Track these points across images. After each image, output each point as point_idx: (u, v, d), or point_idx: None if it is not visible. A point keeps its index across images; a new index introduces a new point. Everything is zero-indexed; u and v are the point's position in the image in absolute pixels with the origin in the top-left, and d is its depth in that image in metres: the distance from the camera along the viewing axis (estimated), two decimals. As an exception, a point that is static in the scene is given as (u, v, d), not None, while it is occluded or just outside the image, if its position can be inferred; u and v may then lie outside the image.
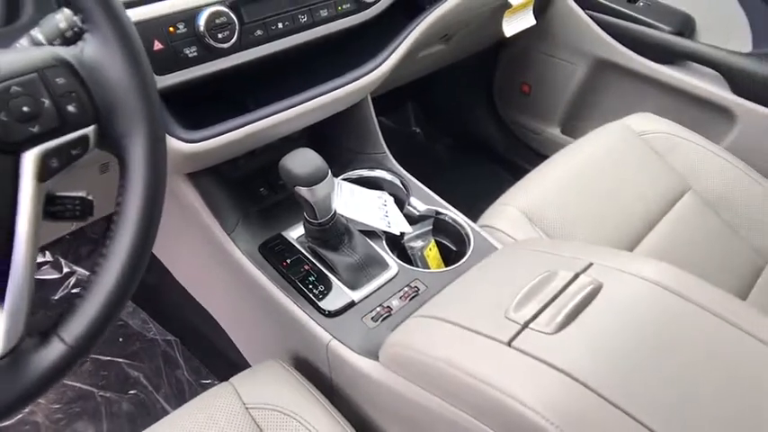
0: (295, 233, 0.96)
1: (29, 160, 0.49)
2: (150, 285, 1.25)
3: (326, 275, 0.90)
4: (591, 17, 1.58)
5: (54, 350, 0.52)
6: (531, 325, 0.68)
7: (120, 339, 1.41)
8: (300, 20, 0.90)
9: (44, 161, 0.49)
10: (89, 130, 0.52)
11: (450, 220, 1.03)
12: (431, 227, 1.03)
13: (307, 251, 0.93)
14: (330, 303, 0.86)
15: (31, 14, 0.71)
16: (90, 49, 0.52)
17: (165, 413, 1.30)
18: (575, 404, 0.61)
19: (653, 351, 0.67)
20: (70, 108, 0.50)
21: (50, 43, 0.60)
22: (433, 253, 1.01)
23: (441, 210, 1.03)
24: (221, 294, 1.10)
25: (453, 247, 1.03)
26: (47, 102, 0.49)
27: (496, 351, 0.66)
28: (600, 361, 0.64)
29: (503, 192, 1.14)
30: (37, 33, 0.61)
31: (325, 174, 0.83)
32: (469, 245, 0.98)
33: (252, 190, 1.04)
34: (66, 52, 0.51)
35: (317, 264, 0.91)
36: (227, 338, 1.17)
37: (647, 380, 0.64)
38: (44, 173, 0.50)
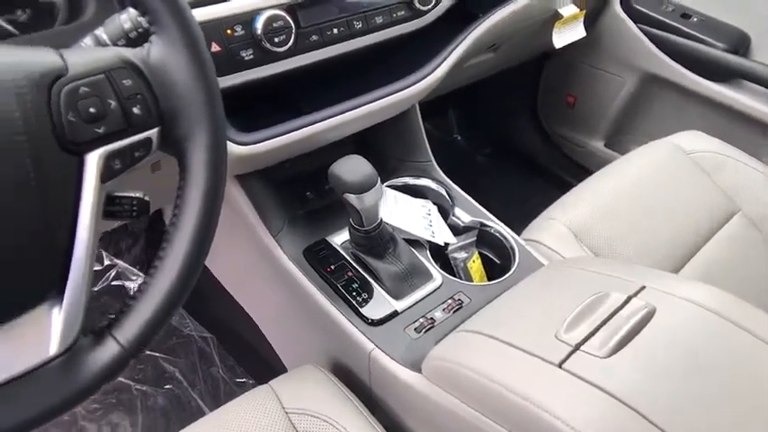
0: (339, 239, 0.96)
1: (93, 161, 0.49)
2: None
3: (370, 283, 0.89)
4: (642, 31, 1.55)
5: (108, 350, 0.53)
6: (582, 347, 0.66)
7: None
8: (355, 26, 0.90)
9: (108, 162, 0.50)
10: (152, 132, 0.52)
11: (495, 233, 1.01)
12: (475, 238, 1.02)
13: (350, 258, 0.93)
14: (373, 312, 0.86)
15: (93, 13, 0.72)
16: (156, 51, 0.52)
17: (200, 410, 1.32)
18: (626, 430, 0.59)
19: (706, 379, 0.65)
20: (135, 110, 0.50)
21: (114, 44, 0.61)
22: (476, 265, 1.00)
23: (486, 222, 1.02)
24: (261, 296, 1.11)
25: (497, 260, 1.02)
26: (113, 103, 0.49)
27: (547, 372, 0.65)
28: (653, 388, 0.63)
29: (544, 203, 1.13)
30: (101, 33, 0.61)
31: (375, 182, 0.83)
32: (514, 259, 0.97)
33: (297, 193, 1.04)
34: (132, 54, 0.51)
35: (361, 271, 0.91)
36: (264, 339, 1.17)
37: (699, 408, 0.62)
38: (107, 174, 0.50)
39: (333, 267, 0.92)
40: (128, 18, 0.60)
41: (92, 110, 0.48)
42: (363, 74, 0.98)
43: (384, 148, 1.12)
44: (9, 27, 0.75)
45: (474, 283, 0.93)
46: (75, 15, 0.77)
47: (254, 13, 0.79)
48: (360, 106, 0.93)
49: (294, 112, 0.89)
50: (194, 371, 1.37)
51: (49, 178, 0.46)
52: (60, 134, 0.47)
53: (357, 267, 0.91)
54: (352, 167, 0.82)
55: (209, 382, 1.36)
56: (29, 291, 0.49)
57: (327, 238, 0.96)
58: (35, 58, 0.48)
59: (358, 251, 0.91)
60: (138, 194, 0.57)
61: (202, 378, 1.36)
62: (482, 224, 1.02)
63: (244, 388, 1.35)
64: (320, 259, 0.93)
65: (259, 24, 0.79)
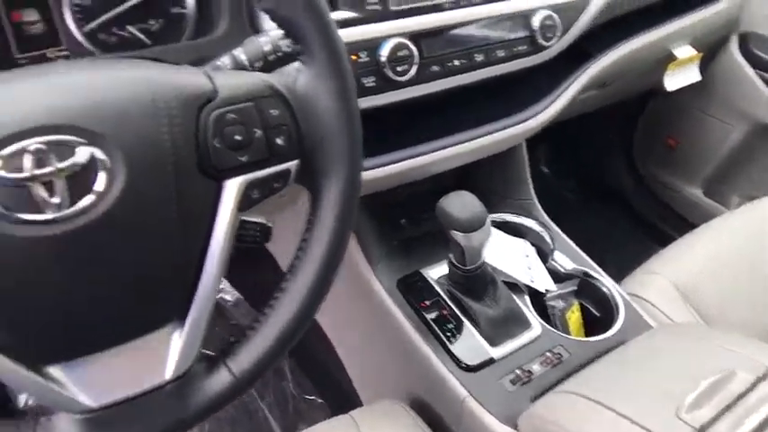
0: (435, 272, 0.93)
1: (232, 188, 0.48)
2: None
3: (465, 324, 0.86)
4: (761, 77, 1.46)
5: (221, 380, 0.51)
6: (708, 431, 0.61)
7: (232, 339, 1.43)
8: (476, 58, 0.87)
9: (246, 191, 0.48)
10: (292, 164, 0.50)
11: (598, 284, 0.96)
12: (575, 288, 0.97)
13: (446, 294, 0.90)
14: (467, 356, 0.82)
15: (225, 29, 0.71)
16: (303, 81, 0.51)
17: (266, 420, 1.31)
18: None
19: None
20: (279, 141, 0.49)
21: (252, 65, 0.60)
22: (575, 316, 0.95)
23: (590, 272, 0.97)
24: (346, 321, 1.09)
25: (597, 313, 0.97)
26: (258, 132, 0.48)
27: (667, 454, 0.60)
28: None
29: (637, 251, 1.07)
30: (240, 54, 0.60)
31: (484, 221, 0.79)
32: (617, 315, 0.92)
33: (393, 221, 1.02)
34: (279, 82, 0.50)
35: (456, 310, 0.88)
36: (341, 364, 1.15)
37: None
38: (244, 203, 0.49)
39: (427, 302, 0.89)
40: (268, 41, 0.59)
41: (237, 137, 0.47)
42: (474, 106, 0.95)
43: (485, 181, 1.08)
44: (141, 36, 0.76)
45: (575, 338, 0.88)
46: (206, 30, 0.77)
47: (380, 39, 0.78)
48: (470, 140, 0.90)
49: (403, 141, 0.87)
50: (265, 382, 1.36)
51: (189, 202, 0.46)
52: (204, 159, 0.46)
53: (452, 306, 0.88)
54: (462, 204, 0.79)
55: (279, 394, 1.35)
56: (154, 312, 0.48)
57: (422, 271, 0.93)
58: (187, 79, 0.47)
59: (455, 289, 0.88)
60: (262, 220, 0.56)
61: (272, 391, 1.35)
62: (585, 274, 0.97)
63: (312, 405, 1.33)
64: (414, 292, 0.90)
65: (384, 52, 0.77)
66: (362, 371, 1.11)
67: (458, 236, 0.79)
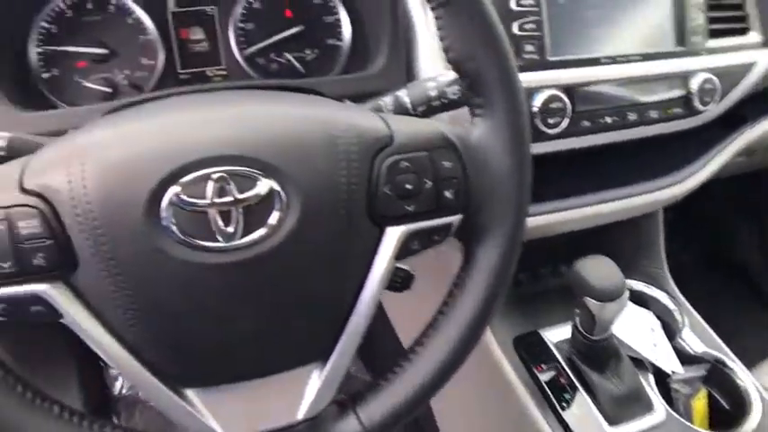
0: (554, 335, 0.88)
1: (393, 237, 0.46)
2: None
3: (583, 396, 0.80)
4: None
5: (348, 429, 0.50)
6: None
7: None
8: (629, 117, 0.83)
9: (406, 241, 0.47)
10: (455, 218, 0.48)
11: (731, 374, 0.88)
12: (705, 373, 0.89)
13: (565, 360, 0.85)
14: (582, 430, 0.77)
15: (381, 66, 0.71)
16: (478, 134, 0.48)
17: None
18: None
19: None
20: (447, 193, 0.47)
21: (414, 109, 0.59)
22: (701, 404, 0.87)
23: (722, 358, 0.89)
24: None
25: (726, 405, 0.88)
26: (429, 183, 0.46)
27: None
28: None
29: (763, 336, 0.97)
30: (404, 96, 0.59)
31: (622, 292, 0.74)
32: (749, 410, 0.83)
33: (511, 272, 0.98)
34: (452, 133, 0.48)
35: (575, 380, 0.82)
36: (432, 418, 1.11)
37: None
38: (403, 252, 0.47)
39: (543, 366, 0.84)
40: (435, 86, 0.58)
41: (408, 186, 0.45)
42: (615, 165, 0.91)
43: (613, 243, 1.02)
44: (297, 64, 0.77)
45: (701, 430, 0.81)
46: (359, 64, 0.77)
47: (534, 89, 0.75)
48: (610, 201, 0.86)
49: (540, 195, 0.83)
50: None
51: (353, 245, 0.45)
52: (372, 204, 0.45)
53: (571, 374, 0.83)
54: (601, 271, 0.75)
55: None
56: (301, 349, 0.48)
57: (541, 332, 0.89)
58: (367, 122, 0.46)
59: (575, 357, 0.83)
60: (406, 267, 0.54)
61: None
62: (717, 360, 0.89)
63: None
64: (532, 354, 0.85)
65: (537, 102, 0.75)
66: (458, 428, 1.07)
67: (591, 304, 0.75)
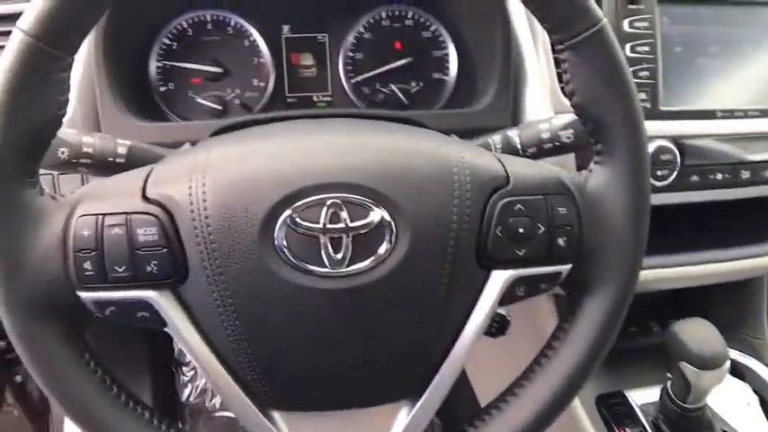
0: (640, 397, 0.84)
1: (499, 280, 0.45)
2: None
3: (670, 469, 0.75)
4: None
5: None
6: None
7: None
8: (742, 175, 0.78)
9: (512, 286, 0.45)
10: (565, 267, 0.46)
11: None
12: (808, 459, 0.82)
13: (651, 426, 0.80)
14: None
15: (488, 103, 0.70)
16: (596, 182, 0.46)
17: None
18: None
19: None
20: (560, 241, 0.45)
21: (524, 150, 0.58)
22: (800, 492, 0.80)
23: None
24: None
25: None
26: (542, 229, 0.44)
27: None
28: None
29: None
30: (514, 136, 0.59)
31: (723, 360, 0.69)
32: None
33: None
34: (569, 179, 0.46)
35: (661, 450, 0.77)
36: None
37: None
38: (508, 297, 0.45)
39: (627, 430, 0.79)
40: (548, 128, 0.57)
41: (520, 230, 0.44)
42: (722, 223, 0.86)
43: (712, 307, 0.97)
44: (401, 95, 0.78)
45: None
46: (465, 100, 0.77)
47: (644, 139, 0.72)
48: (714, 261, 0.81)
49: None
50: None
51: (457, 285, 0.44)
52: (481, 246, 0.44)
53: (657, 443, 0.78)
54: (702, 337, 0.70)
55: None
56: (393, 385, 0.47)
57: (627, 393, 0.84)
58: (483, 161, 0.45)
59: (663, 424, 0.78)
60: (503, 312, 0.53)
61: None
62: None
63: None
64: (615, 415, 0.81)
65: (647, 153, 0.72)
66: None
67: (688, 370, 0.70)
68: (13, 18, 0.65)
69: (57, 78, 0.40)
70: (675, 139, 0.75)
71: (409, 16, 0.78)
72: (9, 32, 0.39)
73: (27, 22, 0.38)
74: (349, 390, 0.46)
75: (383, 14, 0.77)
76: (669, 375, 0.74)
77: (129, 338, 1.10)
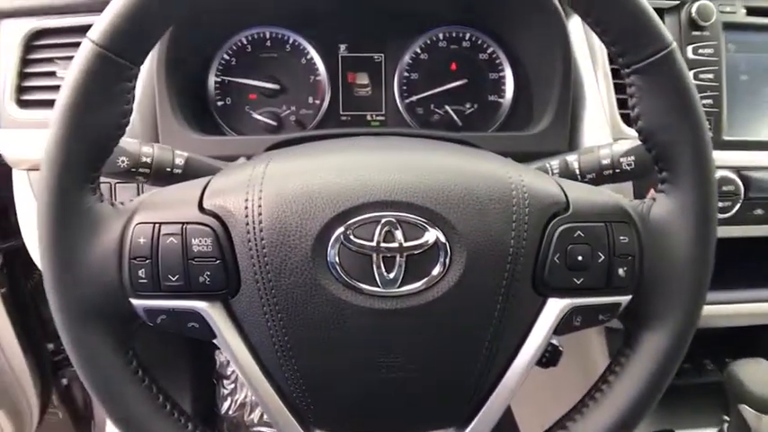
0: (693, 438, 0.80)
1: (555, 309, 0.43)
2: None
3: None
4: None
5: None
6: None
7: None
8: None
9: (569, 315, 0.44)
10: (625, 299, 0.44)
11: None
12: None
13: (705, 471, 0.76)
14: None
15: (545, 127, 0.69)
16: (660, 211, 0.45)
17: None
18: None
19: None
20: (620, 271, 0.43)
21: (583, 176, 0.57)
22: None
23: None
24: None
25: None
26: (602, 257, 0.43)
27: None
28: None
29: None
30: (573, 161, 0.57)
31: (786, 405, 0.66)
32: None
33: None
34: (631, 207, 0.45)
35: (715, 496, 0.73)
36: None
37: None
38: (564, 327, 0.44)
39: (678, 473, 0.76)
40: (609, 155, 0.55)
41: (579, 257, 0.42)
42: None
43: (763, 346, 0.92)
44: (455, 117, 0.77)
45: None
46: (520, 123, 0.76)
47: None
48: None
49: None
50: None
51: (511, 311, 0.43)
52: (538, 272, 0.43)
53: (710, 488, 0.74)
54: (763, 378, 0.67)
55: None
56: (439, 413, 0.46)
57: (678, 432, 0.80)
58: (543, 185, 0.44)
59: (719, 468, 0.74)
60: (555, 342, 0.51)
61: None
62: None
63: None
64: (666, 456, 0.77)
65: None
66: None
67: (747, 413, 0.66)
68: (78, 30, 0.68)
69: (123, 88, 0.41)
70: (739, 170, 0.72)
71: (466, 38, 0.77)
72: (74, 44, 0.40)
73: (97, 32, 0.39)
74: (393, 415, 0.45)
75: (440, 35, 0.77)
76: (726, 418, 0.71)
77: (173, 348, 1.11)
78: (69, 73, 0.39)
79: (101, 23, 0.39)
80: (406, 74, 0.77)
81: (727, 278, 0.78)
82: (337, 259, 0.40)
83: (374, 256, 0.40)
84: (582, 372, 0.86)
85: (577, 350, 0.83)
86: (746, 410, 0.67)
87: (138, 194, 0.64)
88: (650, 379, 0.45)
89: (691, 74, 0.70)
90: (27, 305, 0.96)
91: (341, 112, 0.78)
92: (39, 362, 1.00)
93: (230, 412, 1.38)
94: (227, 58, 0.77)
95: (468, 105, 0.78)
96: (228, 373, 1.28)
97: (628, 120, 0.70)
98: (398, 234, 0.40)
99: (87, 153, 0.40)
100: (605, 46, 0.43)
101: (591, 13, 0.42)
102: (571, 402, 0.49)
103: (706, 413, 0.80)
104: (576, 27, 0.72)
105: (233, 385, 1.28)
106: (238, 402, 1.28)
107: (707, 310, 0.75)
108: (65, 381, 1.10)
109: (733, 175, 0.71)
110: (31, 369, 0.98)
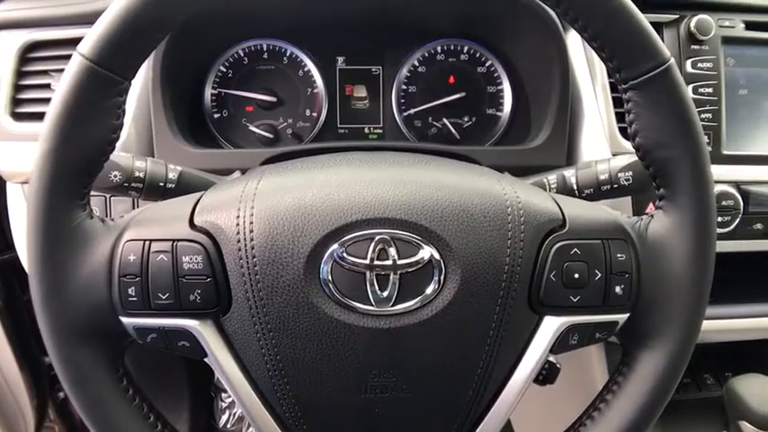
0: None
1: (551, 327, 0.43)
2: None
3: None
4: None
5: None
6: None
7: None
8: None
9: (566, 334, 0.43)
10: (622, 317, 0.44)
11: None
12: None
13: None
14: None
15: (542, 141, 0.68)
16: (658, 228, 0.44)
17: None
18: None
19: None
20: (617, 289, 0.43)
21: (580, 191, 0.56)
22: None
23: None
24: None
25: None
26: (599, 275, 0.42)
27: None
28: None
29: None
30: (571, 177, 0.57)
31: (787, 421, 0.65)
32: None
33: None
34: (629, 224, 0.44)
35: None
36: None
37: None
38: (560, 346, 0.43)
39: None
40: (606, 170, 0.55)
41: (576, 275, 0.42)
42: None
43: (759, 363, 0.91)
44: (453, 130, 0.77)
45: None
46: (518, 137, 0.76)
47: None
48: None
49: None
50: None
51: (506, 330, 0.42)
52: (534, 289, 0.42)
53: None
54: (763, 394, 0.66)
55: None
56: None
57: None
58: (539, 202, 0.44)
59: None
60: (552, 359, 0.50)
61: None
62: None
63: None
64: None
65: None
66: None
67: (748, 429, 0.66)
68: (73, 42, 0.68)
69: (113, 102, 0.40)
70: (738, 185, 0.72)
71: (464, 51, 0.77)
72: (69, 56, 0.39)
73: (87, 46, 0.38)
74: None
75: (438, 48, 0.77)
76: (726, 433, 0.70)
77: (170, 362, 1.10)
78: (59, 87, 0.39)
79: (90, 37, 0.38)
80: (404, 86, 0.77)
81: (727, 293, 0.78)
82: (330, 277, 0.40)
83: (367, 273, 0.39)
84: (581, 387, 0.85)
85: (577, 365, 0.82)
86: (746, 426, 0.66)
87: (134, 208, 0.64)
88: (648, 399, 0.44)
89: (690, 88, 0.71)
90: (23, 318, 0.95)
91: (338, 125, 0.77)
92: (35, 375, 0.99)
93: (228, 426, 1.37)
94: (224, 70, 0.76)
95: (466, 118, 0.77)
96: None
97: (626, 134, 0.69)
98: (392, 251, 0.40)
99: (76, 168, 0.40)
100: (603, 61, 0.43)
101: (588, 29, 0.41)
102: (570, 419, 0.48)
103: (706, 429, 0.79)
104: (574, 41, 0.72)
105: (231, 399, 1.27)
106: (236, 416, 1.27)
107: (706, 324, 0.74)
108: (61, 394, 1.09)
109: (732, 190, 0.71)
110: (26, 383, 0.97)
